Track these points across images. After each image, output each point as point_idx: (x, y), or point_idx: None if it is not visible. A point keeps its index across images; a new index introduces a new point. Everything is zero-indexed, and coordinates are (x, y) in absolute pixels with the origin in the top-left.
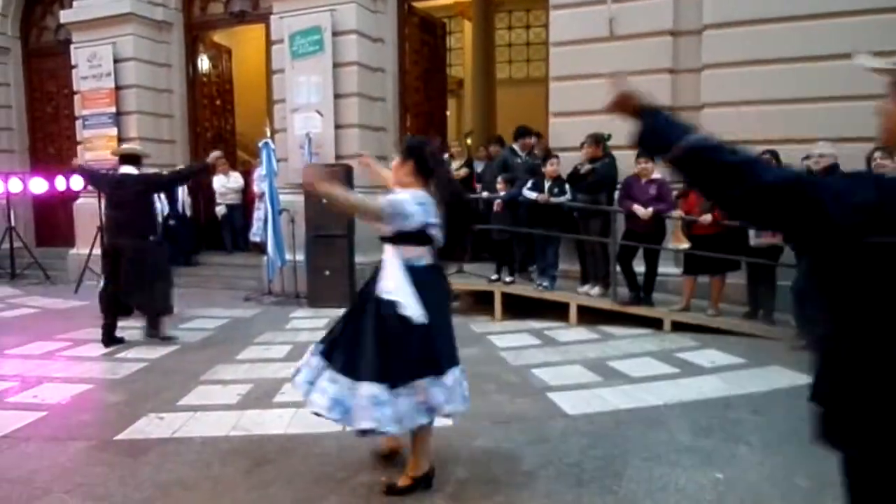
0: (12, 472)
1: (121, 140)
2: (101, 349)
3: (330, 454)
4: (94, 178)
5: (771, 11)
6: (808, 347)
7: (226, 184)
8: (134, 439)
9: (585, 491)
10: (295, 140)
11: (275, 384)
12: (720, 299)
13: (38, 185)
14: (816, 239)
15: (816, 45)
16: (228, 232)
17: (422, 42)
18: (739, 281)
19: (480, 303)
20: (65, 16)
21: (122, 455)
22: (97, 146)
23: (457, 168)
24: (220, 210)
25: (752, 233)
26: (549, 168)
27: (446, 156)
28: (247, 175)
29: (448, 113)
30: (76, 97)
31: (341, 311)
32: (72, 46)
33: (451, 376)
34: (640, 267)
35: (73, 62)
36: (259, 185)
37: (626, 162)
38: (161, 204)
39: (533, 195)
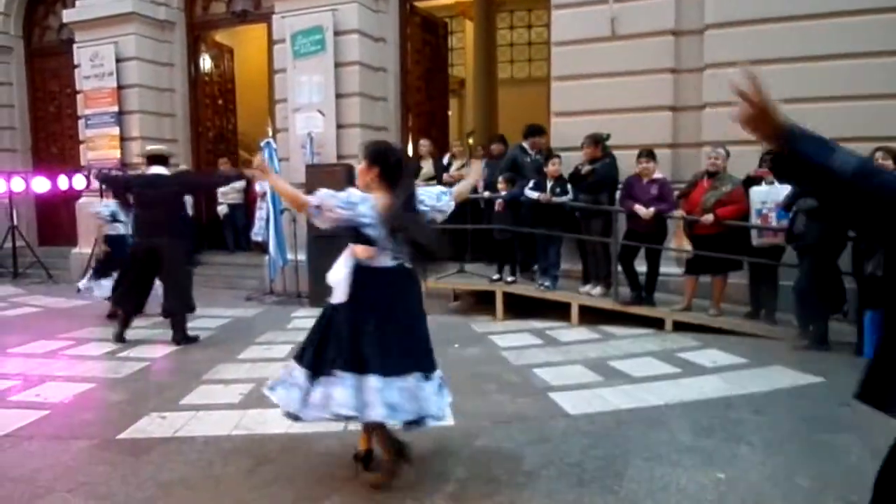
0: (15, 471)
1: (123, 139)
2: (103, 348)
3: (332, 454)
4: (124, 180)
5: (772, 11)
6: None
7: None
8: (136, 438)
9: (586, 491)
10: (297, 140)
11: None
12: (722, 299)
13: (41, 185)
14: None
15: (818, 44)
16: (230, 231)
17: (423, 42)
18: (741, 281)
19: (482, 303)
20: (67, 15)
21: (125, 454)
22: (99, 145)
23: (458, 168)
24: (222, 209)
25: (754, 233)
26: (550, 168)
27: (448, 156)
28: None
29: (450, 113)
30: (79, 96)
31: None
32: (74, 46)
33: (378, 382)
34: (641, 267)
35: (75, 61)
36: (261, 185)
37: (627, 161)
38: None
39: (535, 195)
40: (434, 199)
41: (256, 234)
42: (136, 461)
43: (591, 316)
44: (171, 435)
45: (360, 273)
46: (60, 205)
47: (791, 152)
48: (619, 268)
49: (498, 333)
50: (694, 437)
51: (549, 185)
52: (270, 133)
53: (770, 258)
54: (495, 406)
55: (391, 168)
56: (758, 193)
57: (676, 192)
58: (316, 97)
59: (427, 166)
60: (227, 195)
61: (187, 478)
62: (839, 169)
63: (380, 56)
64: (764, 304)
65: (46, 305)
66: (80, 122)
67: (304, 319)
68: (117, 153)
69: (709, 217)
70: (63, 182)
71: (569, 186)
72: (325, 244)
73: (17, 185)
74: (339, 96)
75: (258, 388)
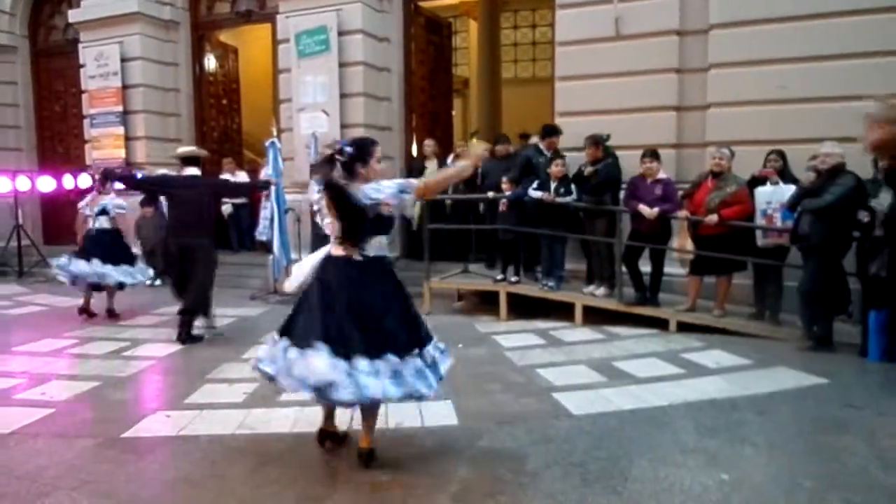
0: (20, 469)
1: (128, 139)
2: (108, 347)
3: (335, 453)
4: (164, 179)
5: (777, 11)
6: None
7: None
8: (140, 437)
9: (590, 491)
10: (301, 139)
11: None
12: (726, 300)
13: (46, 184)
14: None
15: (823, 44)
16: (235, 231)
17: (427, 42)
18: (746, 281)
19: (486, 303)
20: (73, 15)
21: (129, 452)
22: (104, 145)
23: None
24: (227, 209)
25: (758, 233)
26: (553, 169)
27: (451, 156)
28: (253, 174)
29: (454, 113)
30: (84, 96)
31: None
32: (79, 45)
33: (322, 356)
34: (645, 267)
35: (80, 61)
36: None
37: (631, 161)
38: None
39: (538, 194)
40: (377, 192)
41: (261, 234)
42: (140, 460)
43: (595, 316)
44: (176, 434)
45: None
46: (66, 204)
47: None
48: (623, 268)
49: (502, 333)
50: (698, 438)
51: (552, 185)
52: (275, 133)
53: (775, 259)
54: (499, 406)
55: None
56: (762, 194)
57: (681, 193)
58: (320, 97)
59: (431, 166)
60: None
61: (192, 476)
62: None
63: (384, 56)
64: (768, 305)
65: (51, 304)
66: (85, 122)
67: None
68: (122, 152)
69: (713, 217)
70: (68, 181)
71: (573, 187)
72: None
73: (23, 184)
74: (343, 96)
75: (262, 388)
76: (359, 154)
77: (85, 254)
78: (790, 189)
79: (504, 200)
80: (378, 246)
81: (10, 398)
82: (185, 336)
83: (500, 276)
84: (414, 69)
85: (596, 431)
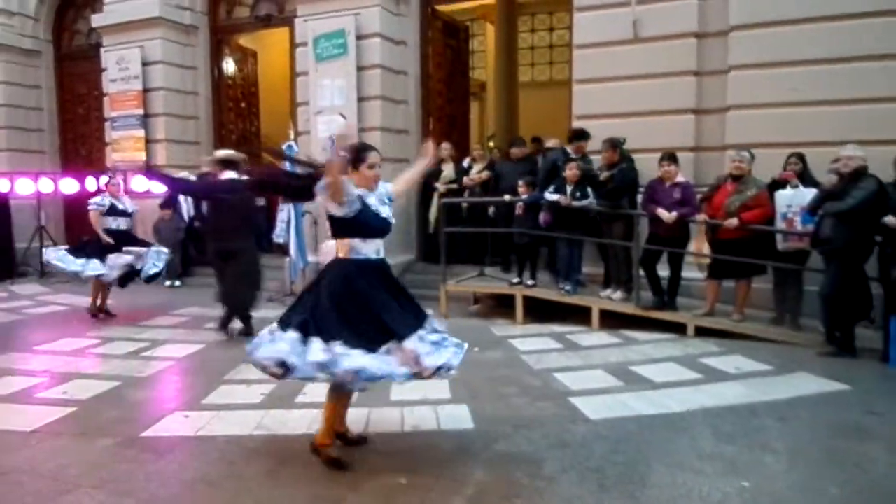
0: (43, 467)
1: (148, 141)
2: (128, 347)
3: (351, 454)
4: (207, 185)
5: (799, 12)
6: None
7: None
8: (160, 437)
9: (607, 496)
10: (318, 142)
11: (297, 385)
12: (746, 304)
13: (69, 186)
14: None
15: (845, 46)
16: None
17: (445, 45)
18: (765, 285)
19: (501, 306)
20: (95, 20)
21: (148, 452)
22: (125, 147)
23: (478, 171)
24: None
25: (779, 237)
26: (568, 172)
27: (468, 160)
28: None
29: (470, 116)
30: (105, 99)
31: None
32: (101, 50)
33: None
34: (663, 271)
35: (102, 65)
36: None
37: (649, 165)
38: (187, 206)
39: (555, 197)
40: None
41: (278, 236)
42: (159, 459)
43: (612, 320)
44: (194, 434)
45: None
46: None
47: None
48: (641, 272)
49: (518, 337)
50: (717, 444)
51: (568, 189)
52: (292, 136)
53: (795, 263)
54: (515, 410)
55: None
56: (783, 197)
57: (699, 196)
58: (338, 100)
59: (448, 169)
60: None
61: (209, 476)
62: None
63: (401, 60)
64: (788, 310)
65: (73, 304)
66: (107, 125)
67: None
68: (142, 155)
69: (733, 221)
70: (91, 183)
71: (589, 190)
72: None
73: (46, 185)
74: (360, 99)
75: (280, 389)
76: (351, 159)
77: (80, 251)
78: (811, 192)
79: (520, 203)
80: (342, 248)
81: (33, 397)
82: (222, 325)
83: (516, 280)
84: (431, 73)
85: (613, 436)
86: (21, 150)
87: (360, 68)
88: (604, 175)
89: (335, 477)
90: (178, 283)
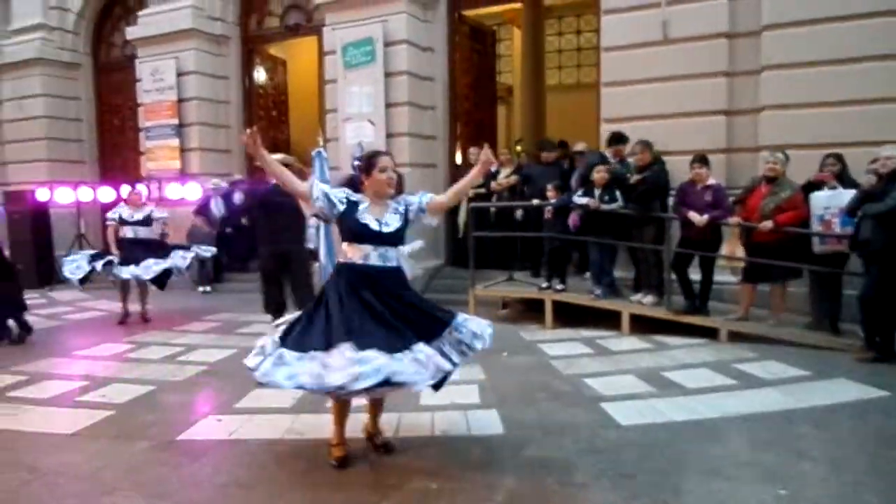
0: (82, 469)
1: (182, 150)
2: (163, 352)
3: (382, 460)
4: (259, 196)
5: (832, 10)
6: None
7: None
8: (194, 440)
9: None
10: (347, 149)
11: None
12: (781, 308)
13: (107, 194)
14: None
15: (881, 43)
16: None
17: (471, 50)
18: (801, 289)
19: (531, 310)
20: (130, 32)
21: (183, 455)
22: (159, 156)
23: (506, 175)
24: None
25: (815, 239)
26: (595, 176)
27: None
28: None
29: (497, 120)
30: (140, 109)
31: None
32: (137, 61)
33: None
34: (695, 275)
35: (137, 76)
36: None
37: (680, 167)
38: (219, 212)
39: (583, 201)
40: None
41: (307, 242)
42: (193, 462)
43: (643, 325)
44: (227, 437)
45: None
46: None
47: None
48: (672, 276)
49: (547, 342)
50: (753, 452)
51: (597, 193)
52: (321, 142)
53: (832, 266)
54: (545, 415)
55: None
56: (820, 199)
57: (732, 199)
58: (366, 107)
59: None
60: None
61: (242, 480)
62: None
63: (428, 65)
64: (826, 314)
65: (111, 310)
66: (142, 134)
67: None
68: (177, 164)
69: (767, 224)
70: (126, 192)
71: (618, 193)
72: None
73: (84, 194)
74: (388, 106)
75: (310, 394)
76: (363, 165)
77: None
78: (849, 193)
79: (549, 208)
80: (342, 252)
81: (73, 400)
82: None
83: (545, 284)
84: (458, 78)
85: (646, 443)
86: (62, 161)
87: (387, 75)
88: (635, 178)
89: (366, 481)
90: (208, 288)
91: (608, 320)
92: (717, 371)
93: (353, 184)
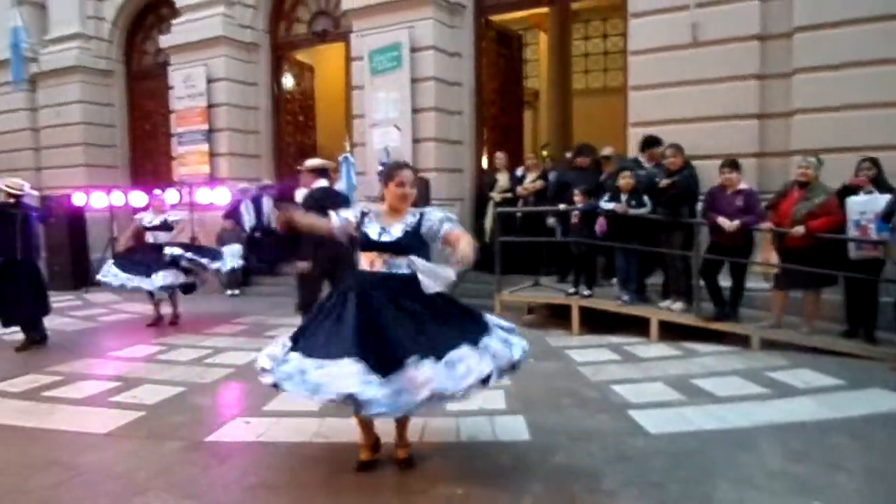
0: (115, 468)
1: (212, 155)
2: (192, 354)
3: (409, 466)
4: (321, 196)
5: (866, 11)
6: None
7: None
8: (222, 441)
9: None
10: (374, 154)
11: None
12: (815, 316)
13: (138, 199)
14: None
15: None
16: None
17: (498, 55)
18: (836, 296)
19: (557, 316)
20: (163, 40)
21: (212, 457)
22: (190, 161)
23: (532, 180)
24: None
25: (850, 245)
26: (621, 182)
27: (521, 169)
28: None
29: (524, 125)
30: (171, 116)
31: None
32: (169, 69)
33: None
34: (724, 281)
35: (169, 83)
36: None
37: (710, 172)
38: (248, 216)
39: (610, 206)
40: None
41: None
42: (222, 464)
43: (672, 332)
44: (255, 440)
45: None
46: None
47: None
48: (702, 282)
49: (574, 348)
50: (785, 462)
51: (623, 198)
52: (348, 148)
53: (868, 273)
54: (572, 422)
55: None
56: (855, 203)
57: (764, 204)
58: (392, 112)
59: (502, 179)
60: None
61: (269, 482)
62: None
63: (455, 71)
64: (862, 322)
65: (143, 312)
66: (173, 140)
67: None
68: (206, 168)
69: (800, 229)
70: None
71: (645, 198)
72: None
73: (117, 199)
74: (414, 111)
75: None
76: (384, 174)
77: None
78: (885, 198)
79: (576, 213)
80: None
81: (107, 400)
82: None
83: (572, 290)
84: (484, 83)
85: (675, 451)
86: (97, 166)
87: (414, 80)
88: (664, 182)
89: (392, 486)
90: (237, 291)
91: (636, 327)
92: (748, 379)
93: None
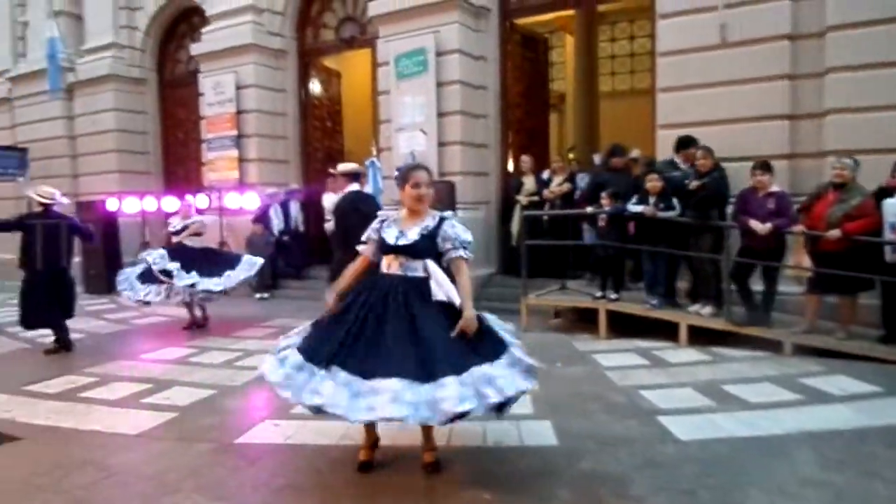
0: (147, 469)
1: (241, 161)
2: (223, 357)
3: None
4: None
5: None
6: None
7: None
8: (252, 443)
9: None
10: (400, 158)
11: None
12: (850, 321)
13: (171, 204)
14: None
15: None
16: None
17: (523, 58)
18: (873, 301)
19: (583, 320)
20: (194, 48)
21: (241, 458)
22: (219, 167)
23: (558, 183)
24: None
25: (887, 248)
26: (648, 185)
27: (547, 172)
28: None
29: (550, 128)
30: (202, 122)
31: None
32: (199, 76)
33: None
34: (755, 285)
35: (199, 90)
36: None
37: (740, 174)
38: (277, 220)
39: (639, 208)
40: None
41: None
42: (251, 466)
43: (701, 336)
44: (283, 442)
45: None
46: None
47: None
48: (732, 286)
49: (601, 352)
50: (820, 470)
51: (651, 201)
52: (374, 152)
53: None
54: (600, 427)
55: None
56: (892, 206)
57: (796, 206)
58: (418, 117)
59: (528, 182)
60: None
61: (297, 483)
62: None
63: (480, 74)
64: None
65: (175, 315)
66: (203, 146)
67: None
68: (236, 174)
69: (835, 232)
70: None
71: (674, 201)
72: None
73: (150, 204)
74: (440, 115)
75: None
76: (399, 178)
77: (149, 278)
78: None
79: (604, 216)
80: None
81: (139, 402)
82: None
83: (599, 294)
84: (510, 86)
85: (705, 458)
86: (130, 172)
87: (439, 84)
88: (694, 184)
89: (418, 489)
90: (266, 295)
91: (664, 331)
92: (780, 385)
93: None
